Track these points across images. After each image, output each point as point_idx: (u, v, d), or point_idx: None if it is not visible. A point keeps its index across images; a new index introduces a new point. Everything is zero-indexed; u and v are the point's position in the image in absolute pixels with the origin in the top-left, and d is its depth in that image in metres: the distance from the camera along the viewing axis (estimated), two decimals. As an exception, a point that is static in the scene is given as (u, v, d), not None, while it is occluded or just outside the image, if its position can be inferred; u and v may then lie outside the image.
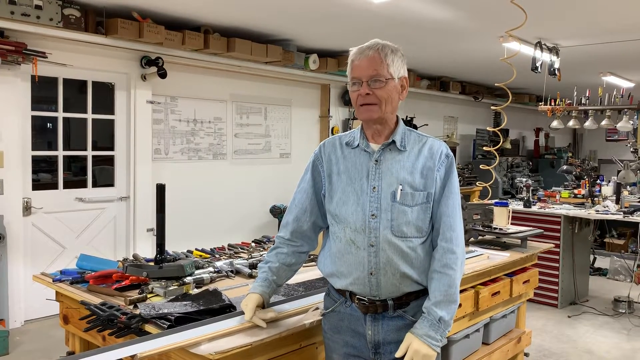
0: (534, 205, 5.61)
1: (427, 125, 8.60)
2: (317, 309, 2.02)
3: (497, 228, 3.58)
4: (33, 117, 4.70)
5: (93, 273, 2.35)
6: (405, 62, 1.84)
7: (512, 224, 3.76)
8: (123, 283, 2.27)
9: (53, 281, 2.37)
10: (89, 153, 5.10)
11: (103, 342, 2.10)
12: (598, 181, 6.56)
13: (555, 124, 6.44)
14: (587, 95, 6.25)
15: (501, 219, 3.68)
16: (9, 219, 4.45)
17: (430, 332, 1.71)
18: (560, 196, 6.07)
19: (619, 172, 6.15)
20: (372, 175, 1.82)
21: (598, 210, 5.24)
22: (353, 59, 1.82)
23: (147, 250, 5.22)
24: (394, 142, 1.84)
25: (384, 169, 1.82)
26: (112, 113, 5.24)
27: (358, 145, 1.88)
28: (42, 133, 4.93)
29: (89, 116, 5.08)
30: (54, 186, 4.89)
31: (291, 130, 7.01)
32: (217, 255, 2.95)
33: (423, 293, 1.81)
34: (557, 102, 6.16)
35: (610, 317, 5.04)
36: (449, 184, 1.83)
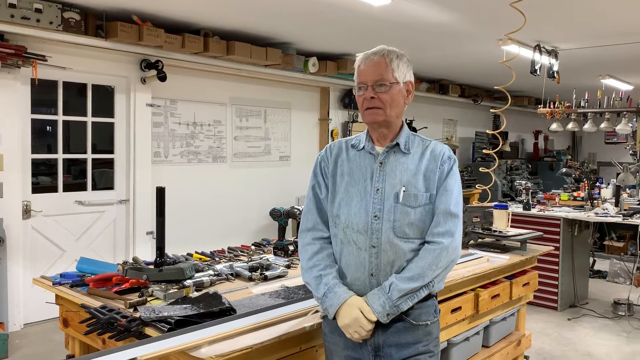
0: (534, 207, 5.61)
1: (426, 128, 8.61)
2: (317, 311, 2.02)
3: (496, 231, 3.57)
4: (33, 120, 4.70)
5: (93, 276, 2.35)
6: (410, 67, 1.87)
7: (511, 226, 3.76)
8: (123, 286, 2.26)
9: (53, 284, 2.37)
10: (89, 156, 5.10)
11: (103, 345, 2.10)
12: (597, 184, 6.56)
13: (554, 126, 6.46)
14: (586, 98, 6.26)
15: (501, 222, 3.68)
16: (8, 222, 4.45)
17: (376, 292, 1.76)
18: (560, 199, 6.07)
19: (618, 174, 6.14)
20: (376, 177, 1.84)
21: (597, 213, 5.24)
22: (359, 65, 1.85)
23: (146, 253, 5.21)
24: (398, 144, 1.86)
25: (387, 171, 1.83)
26: (112, 116, 5.25)
27: (363, 147, 1.90)
28: (41, 136, 4.93)
29: (89, 119, 5.08)
30: (54, 189, 4.89)
31: (291, 133, 7.01)
32: (217, 258, 2.95)
33: (424, 296, 1.81)
34: (556, 105, 6.17)
35: (610, 320, 5.04)
36: (448, 179, 1.83)
